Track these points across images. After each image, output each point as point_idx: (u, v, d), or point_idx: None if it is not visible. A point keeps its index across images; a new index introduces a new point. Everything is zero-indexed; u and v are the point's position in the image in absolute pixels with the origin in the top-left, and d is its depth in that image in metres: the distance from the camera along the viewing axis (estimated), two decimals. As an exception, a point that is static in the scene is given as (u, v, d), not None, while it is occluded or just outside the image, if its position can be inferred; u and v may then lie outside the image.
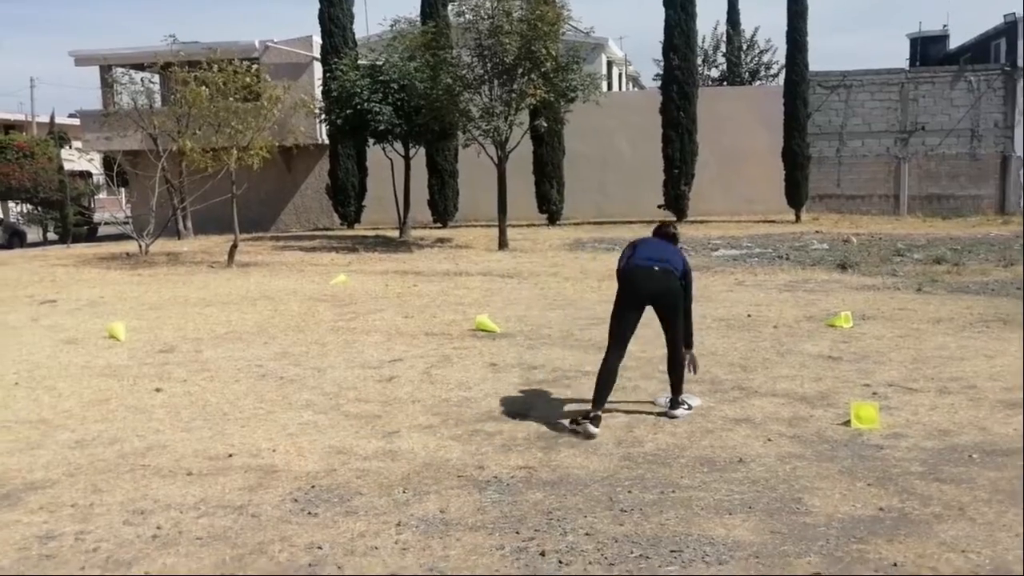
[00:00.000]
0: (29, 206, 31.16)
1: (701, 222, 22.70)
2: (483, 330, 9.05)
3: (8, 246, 25.99)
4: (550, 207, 24.62)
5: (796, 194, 23.52)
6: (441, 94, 18.42)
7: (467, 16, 18.50)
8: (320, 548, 3.83)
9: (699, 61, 28.73)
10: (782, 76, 25.89)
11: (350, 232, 24.16)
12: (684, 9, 23.32)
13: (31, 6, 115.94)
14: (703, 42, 32.59)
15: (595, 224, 23.55)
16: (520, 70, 18.30)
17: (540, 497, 4.37)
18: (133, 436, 5.55)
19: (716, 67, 35.14)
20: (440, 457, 5.03)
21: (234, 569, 3.64)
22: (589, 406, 5.57)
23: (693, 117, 23.43)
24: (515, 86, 18.48)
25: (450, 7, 20.46)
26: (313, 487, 4.57)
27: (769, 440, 5.25)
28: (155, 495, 4.50)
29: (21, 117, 49.60)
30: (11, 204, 33.43)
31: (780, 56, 30.35)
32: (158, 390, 6.76)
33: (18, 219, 31.48)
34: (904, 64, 33.76)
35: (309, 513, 4.23)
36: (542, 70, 18.05)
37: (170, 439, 5.47)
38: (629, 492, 4.43)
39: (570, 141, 24.17)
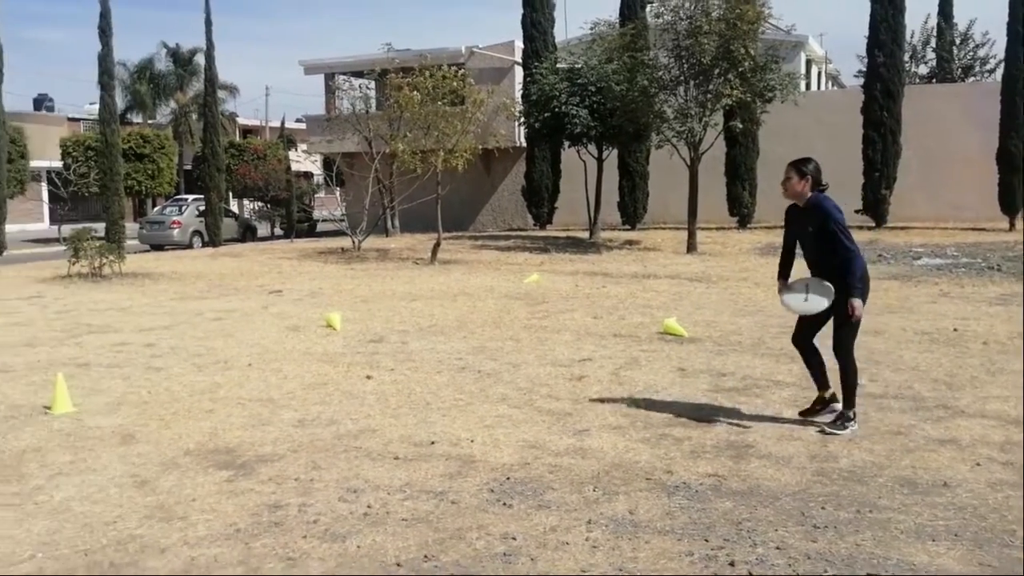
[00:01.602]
0: (260, 203, 34.13)
1: (902, 228, 21.39)
2: (671, 334, 9.06)
3: (241, 240, 28.70)
4: (741, 210, 23.99)
5: (1011, 200, 21.51)
6: (637, 96, 18.47)
7: (665, 17, 18.45)
8: (514, 539, 4.05)
9: (906, 57, 27.03)
10: (999, 72, 23.86)
11: (542, 233, 24.69)
12: (891, 3, 22.04)
13: (268, 22, 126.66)
14: (911, 37, 30.75)
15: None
16: (717, 70, 18.04)
17: (729, 506, 4.39)
18: (347, 419, 6.07)
19: (925, 63, 32.98)
20: (629, 459, 5.15)
21: (436, 552, 3.93)
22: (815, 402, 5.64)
23: (897, 117, 22.17)
24: (711, 87, 18.25)
25: (648, 8, 20.45)
26: (508, 479, 4.83)
27: (978, 464, 4.97)
28: (366, 476, 4.92)
29: (257, 122, 54.34)
30: (245, 201, 36.81)
31: (998, 50, 27.99)
32: (369, 377, 7.32)
33: (251, 215, 34.57)
34: None
35: (504, 504, 4.48)
36: (739, 70, 17.70)
37: (379, 424, 5.94)
38: (823, 508, 4.35)
39: (764, 142, 23.43)
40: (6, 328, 10.15)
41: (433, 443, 5.49)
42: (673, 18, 18.31)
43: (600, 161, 21.67)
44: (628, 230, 24.60)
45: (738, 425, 5.78)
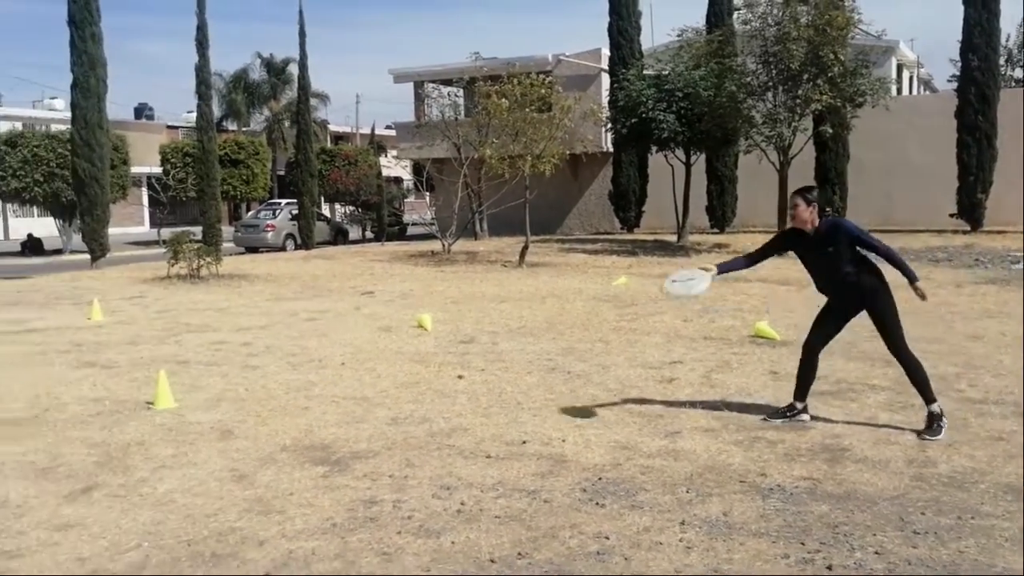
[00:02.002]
0: (351, 207, 34.91)
1: (999, 232, 20.55)
2: (762, 337, 8.89)
3: (333, 242, 29.41)
4: (832, 214, 23.35)
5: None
6: (725, 101, 18.31)
7: (753, 24, 18.29)
8: (607, 538, 4.03)
9: (1001, 61, 25.98)
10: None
11: (630, 236, 24.57)
12: (986, 7, 21.29)
13: (359, 32, 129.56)
14: (1007, 40, 29.56)
15: (880, 232, 21.73)
16: (806, 76, 17.79)
17: (825, 510, 4.28)
18: (439, 417, 6.14)
19: (1021, 67, 31.60)
20: (722, 461, 5.06)
21: (530, 550, 3.94)
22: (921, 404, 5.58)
23: (993, 121, 21.45)
24: (800, 92, 18.02)
25: (736, 15, 20.26)
26: (600, 479, 4.81)
27: (1093, 474, 4.71)
28: (459, 473, 4.97)
29: (348, 129, 55.68)
30: (337, 205, 37.74)
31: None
32: (460, 377, 7.40)
33: (342, 219, 35.40)
34: None
35: (597, 503, 4.46)
36: (829, 75, 17.43)
37: (471, 423, 5.99)
38: (922, 514, 4.20)
39: (855, 147, 22.92)
40: (111, 327, 10.62)
41: (524, 442, 5.51)
42: (761, 24, 18.16)
43: (688, 166, 21.46)
44: (716, 233, 24.35)
45: (832, 429, 5.63)
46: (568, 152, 20.40)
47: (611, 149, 26.14)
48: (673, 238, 22.04)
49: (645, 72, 21.68)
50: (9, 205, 34.68)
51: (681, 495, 4.54)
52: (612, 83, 23.47)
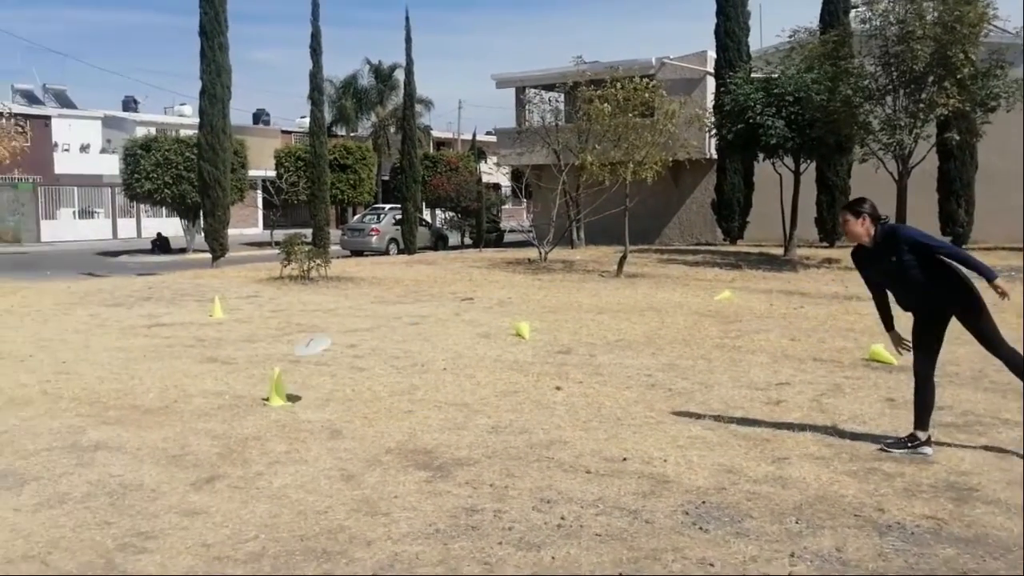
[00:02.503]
0: (451, 213, 35.38)
1: None
2: (877, 360, 8.53)
3: (434, 248, 29.87)
4: (955, 228, 22.25)
5: None
6: (839, 106, 17.63)
7: (873, 22, 17.46)
8: (712, 565, 3.93)
9: None
10: None
11: (732, 248, 24.05)
12: None
13: (462, 38, 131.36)
14: None
15: (1010, 250, 20.69)
16: (931, 78, 16.86)
17: (951, 554, 4.05)
18: (538, 429, 6.13)
19: None
20: (834, 491, 4.88)
21: (631, 571, 3.89)
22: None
23: None
24: (924, 95, 17.10)
25: (853, 14, 19.48)
26: (704, 503, 4.70)
27: None
28: (558, 487, 4.94)
29: (450, 135, 56.50)
30: (437, 211, 38.33)
31: None
32: (558, 388, 7.38)
33: (442, 224, 35.92)
34: None
35: (700, 528, 4.36)
36: (957, 77, 16.42)
37: (570, 436, 5.96)
38: (1062, 564, 3.94)
39: (984, 155, 21.65)
40: (230, 324, 11.08)
41: (625, 459, 5.45)
42: (882, 23, 17.29)
43: (797, 174, 20.87)
44: (826, 247, 23.53)
45: (959, 465, 5.32)
46: (671, 159, 20.10)
47: (715, 156, 25.68)
48: (779, 251, 21.46)
49: (753, 75, 21.20)
50: (142, 205, 36.77)
51: (790, 525, 4.39)
52: (718, 87, 23.06)
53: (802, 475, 5.15)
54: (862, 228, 5.52)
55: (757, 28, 66.56)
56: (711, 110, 22.74)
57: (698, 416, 6.51)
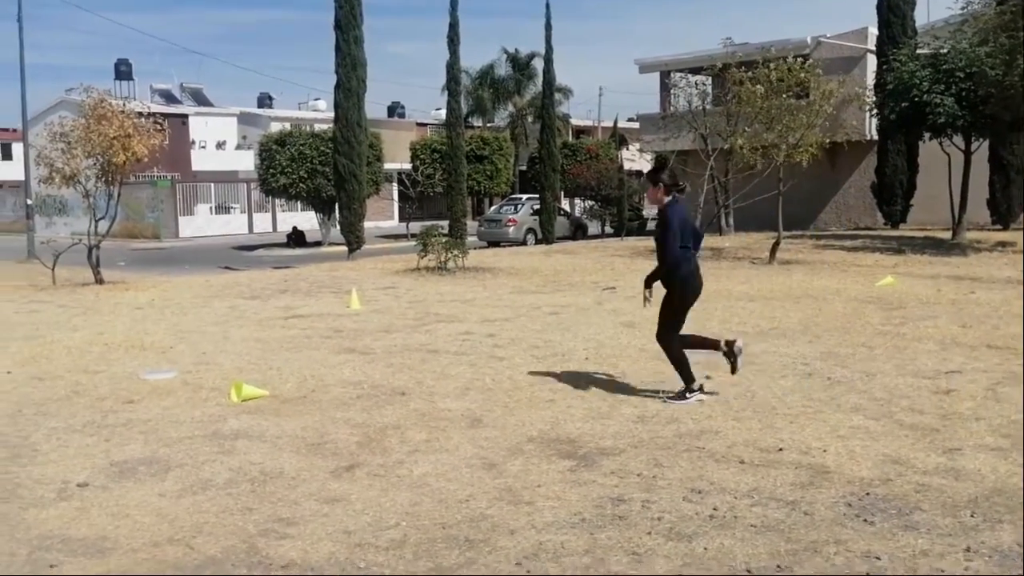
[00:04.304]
0: (590, 202, 35.12)
1: None
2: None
3: (573, 237, 29.75)
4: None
5: None
6: (1017, 81, 16.29)
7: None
8: (878, 559, 3.66)
9: None
10: None
11: (894, 232, 22.74)
12: None
13: (602, 22, 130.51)
14: None
15: None
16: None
17: None
18: (687, 418, 5.92)
19: None
20: (1013, 484, 4.45)
21: (790, 563, 3.66)
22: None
23: None
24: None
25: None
26: (868, 494, 4.39)
27: None
28: (709, 477, 4.74)
29: (589, 123, 56.15)
30: (576, 200, 38.15)
31: None
32: (708, 377, 7.08)
33: (582, 214, 35.74)
34: None
35: (865, 520, 4.07)
36: None
37: (721, 426, 5.72)
38: None
39: None
40: (367, 315, 11.30)
41: (781, 449, 5.17)
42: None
43: (968, 154, 19.46)
44: (999, 230, 21.94)
45: None
46: (828, 140, 19.10)
47: (875, 137, 24.34)
48: (946, 235, 20.09)
49: (919, 51, 19.92)
50: (278, 200, 38.05)
51: (965, 519, 4.03)
52: (880, 64, 21.84)
53: (977, 467, 4.74)
54: (656, 196, 6.34)
55: (924, 2, 62.67)
56: (872, 89, 21.55)
57: (859, 406, 6.11)
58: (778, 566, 3.62)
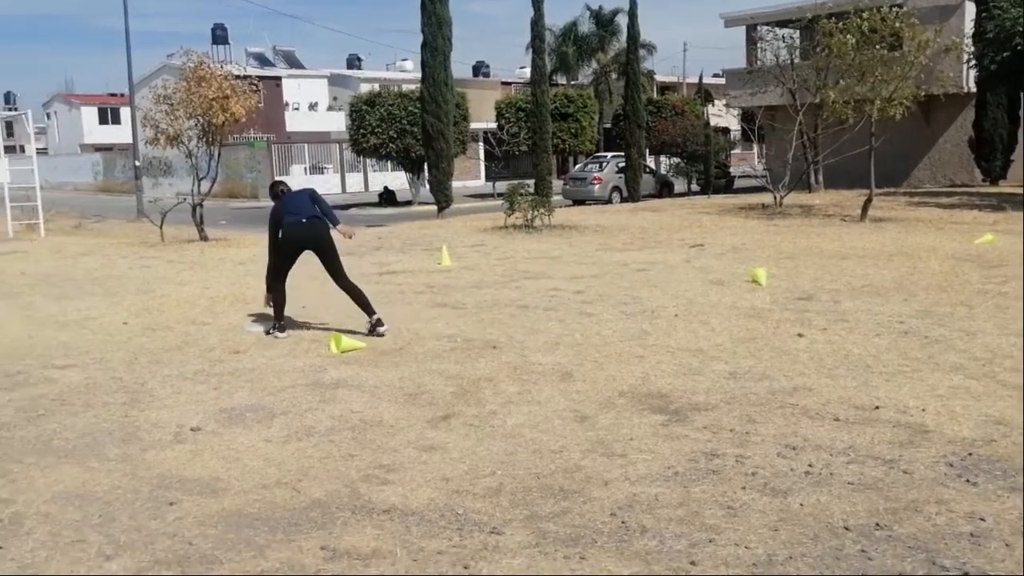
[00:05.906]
0: (676, 159, 34.52)
1: None
2: None
3: (658, 195, 29.37)
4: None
5: None
6: None
7: None
8: (983, 520, 3.60)
9: None
10: None
11: (994, 189, 21.82)
12: None
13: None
14: None
15: None
16: None
17: None
18: (780, 375, 5.87)
19: None
20: None
21: (889, 521, 3.63)
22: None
23: None
24: None
25: None
26: (970, 454, 4.31)
27: None
28: (804, 434, 4.71)
29: (674, 79, 54.98)
30: (662, 157, 37.56)
31: None
32: (800, 335, 7.02)
33: (667, 171, 35.19)
34: None
35: (967, 480, 4.00)
36: None
37: (815, 383, 5.66)
38: None
39: None
40: (458, 271, 11.48)
41: (877, 408, 5.09)
42: None
43: (1075, 105, 18.43)
44: (1109, 185, 20.77)
45: None
46: (923, 93, 18.31)
47: (974, 89, 23.23)
48: (1050, 190, 19.18)
49: (1025, -4, 18.87)
50: (369, 160, 38.65)
51: (1076, 483, 3.93)
52: (979, 12, 20.77)
53: (1090, 430, 4.58)
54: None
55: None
56: (970, 38, 20.52)
57: (959, 365, 5.96)
58: (877, 524, 3.60)
